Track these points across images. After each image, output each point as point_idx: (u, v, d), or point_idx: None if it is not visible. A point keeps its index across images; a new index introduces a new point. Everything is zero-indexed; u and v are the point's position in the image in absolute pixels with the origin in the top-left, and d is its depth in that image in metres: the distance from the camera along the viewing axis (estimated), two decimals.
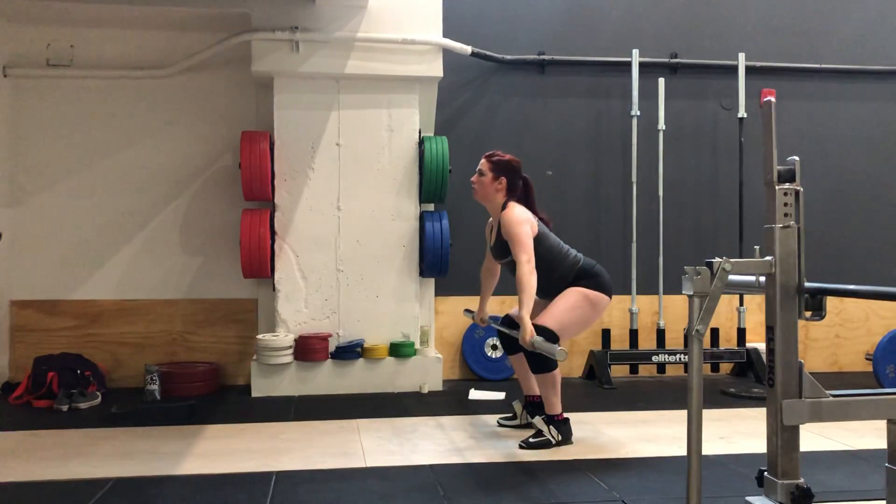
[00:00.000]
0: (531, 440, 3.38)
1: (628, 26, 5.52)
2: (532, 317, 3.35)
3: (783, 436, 2.08)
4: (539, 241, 3.50)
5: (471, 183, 3.66)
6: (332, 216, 4.84)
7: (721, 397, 4.64)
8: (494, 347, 5.20)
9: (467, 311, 4.22)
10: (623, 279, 5.32)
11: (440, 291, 5.21)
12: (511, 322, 3.61)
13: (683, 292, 2.14)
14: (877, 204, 5.79)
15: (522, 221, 3.44)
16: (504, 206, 3.53)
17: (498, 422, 3.85)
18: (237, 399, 4.56)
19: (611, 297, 3.57)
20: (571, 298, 3.47)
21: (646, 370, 5.38)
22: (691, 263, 2.16)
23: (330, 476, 2.97)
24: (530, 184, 3.65)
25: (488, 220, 3.77)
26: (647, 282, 5.34)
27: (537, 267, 3.40)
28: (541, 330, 3.31)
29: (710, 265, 2.10)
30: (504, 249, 3.52)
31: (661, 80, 5.31)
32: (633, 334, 5.24)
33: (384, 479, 2.92)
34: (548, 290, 3.52)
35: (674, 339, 5.38)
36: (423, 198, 4.94)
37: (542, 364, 3.39)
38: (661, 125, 5.32)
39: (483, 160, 3.65)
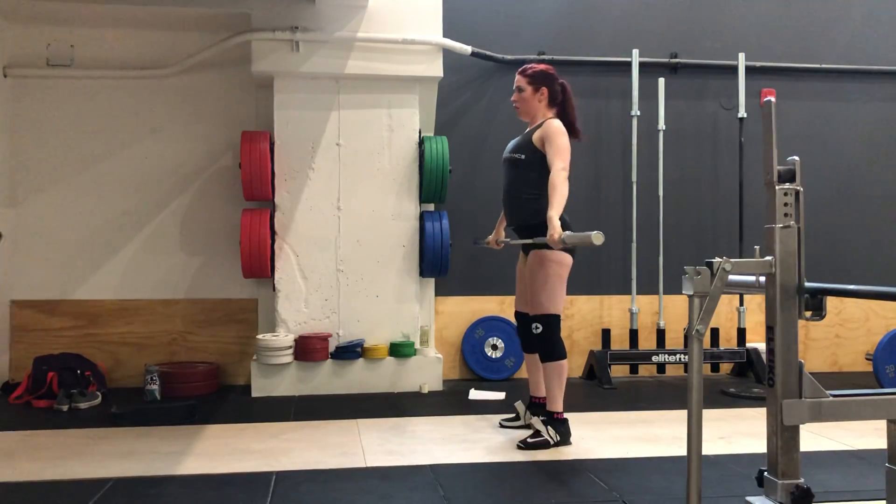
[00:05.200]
0: (529, 440, 3.37)
1: (628, 26, 5.52)
2: (519, 302, 3.67)
3: (783, 436, 2.08)
4: None
5: (512, 103, 3.69)
6: (332, 216, 4.84)
7: (721, 397, 4.64)
8: (494, 347, 5.20)
9: (476, 241, 4.14)
10: (623, 279, 5.34)
11: (440, 291, 5.21)
12: (522, 315, 3.68)
13: (683, 292, 2.14)
14: (877, 204, 5.79)
15: (566, 134, 3.44)
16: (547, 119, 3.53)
17: (500, 423, 3.82)
18: (237, 399, 4.56)
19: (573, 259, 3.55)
20: (546, 272, 3.43)
21: (646, 370, 5.38)
22: (691, 263, 2.16)
23: (330, 476, 2.97)
24: (568, 90, 3.65)
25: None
26: (647, 282, 5.34)
27: (538, 185, 3.44)
28: (539, 318, 3.42)
29: (710, 265, 2.10)
30: (522, 146, 3.54)
31: (661, 80, 5.32)
32: (633, 334, 5.24)
33: (384, 479, 2.92)
34: (520, 214, 3.53)
35: (674, 339, 5.38)
36: (423, 198, 4.94)
37: (551, 352, 3.43)
38: (661, 125, 5.32)
39: (518, 76, 3.66)
